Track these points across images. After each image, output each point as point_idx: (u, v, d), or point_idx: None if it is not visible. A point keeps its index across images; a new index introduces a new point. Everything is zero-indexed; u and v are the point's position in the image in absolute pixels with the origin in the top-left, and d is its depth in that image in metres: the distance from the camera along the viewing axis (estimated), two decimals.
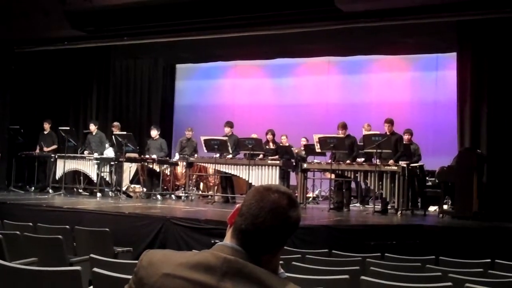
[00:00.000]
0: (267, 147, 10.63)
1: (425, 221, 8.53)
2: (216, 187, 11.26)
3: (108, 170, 11.22)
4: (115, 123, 12.10)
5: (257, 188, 1.53)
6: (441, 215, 8.87)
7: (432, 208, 9.98)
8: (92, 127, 11.55)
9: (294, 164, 10.67)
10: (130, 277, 1.53)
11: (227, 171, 10.35)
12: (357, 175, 9.23)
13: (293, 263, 4.04)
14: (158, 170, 10.83)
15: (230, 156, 10.33)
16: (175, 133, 15.05)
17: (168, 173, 11.20)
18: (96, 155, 11.22)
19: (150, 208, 8.77)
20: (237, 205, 1.54)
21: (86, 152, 11.51)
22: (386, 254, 5.24)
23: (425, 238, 6.99)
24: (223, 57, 14.24)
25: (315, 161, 10.43)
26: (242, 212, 1.49)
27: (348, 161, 9.33)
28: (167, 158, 11.35)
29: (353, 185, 10.10)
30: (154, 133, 11.37)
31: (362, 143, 9.41)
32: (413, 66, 13.54)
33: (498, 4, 8.85)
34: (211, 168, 10.78)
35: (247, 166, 10.01)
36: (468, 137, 9.34)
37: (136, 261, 1.53)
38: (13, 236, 4.77)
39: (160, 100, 14.87)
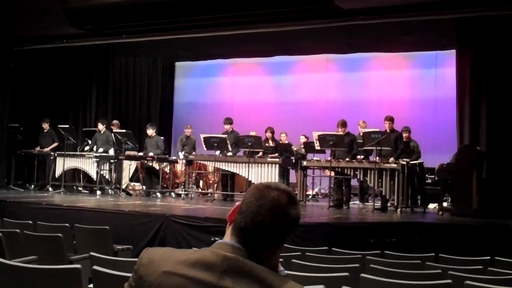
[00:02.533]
0: (266, 144, 10.62)
1: (425, 218, 8.53)
2: (215, 185, 11.26)
3: (107, 168, 11.21)
4: (115, 121, 12.09)
5: (256, 186, 1.52)
6: (440, 212, 8.86)
7: (431, 206, 9.98)
8: (101, 126, 11.50)
9: (293, 161, 10.67)
10: (130, 275, 1.54)
11: (226, 169, 10.35)
12: (356, 172, 9.23)
13: (293, 260, 4.04)
14: (157, 168, 10.84)
15: (230, 154, 10.32)
16: (174, 131, 15.05)
17: (168, 171, 11.20)
18: (101, 151, 11.18)
19: (149, 206, 8.77)
20: (237, 203, 1.54)
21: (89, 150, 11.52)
22: (386, 252, 5.24)
23: (425, 235, 6.99)
24: (222, 55, 14.23)
25: (315, 158, 10.41)
26: (242, 210, 1.49)
27: (347, 159, 9.34)
28: (166, 156, 11.35)
29: (353, 182, 10.09)
30: (150, 131, 11.35)
31: (361, 141, 9.41)
32: (412, 64, 13.52)
33: (497, 1, 8.84)
34: (210, 166, 10.79)
35: (247, 164, 10.00)
36: (467, 134, 9.34)
37: (136, 259, 1.54)
38: (13, 234, 4.77)
39: (159, 98, 14.87)
